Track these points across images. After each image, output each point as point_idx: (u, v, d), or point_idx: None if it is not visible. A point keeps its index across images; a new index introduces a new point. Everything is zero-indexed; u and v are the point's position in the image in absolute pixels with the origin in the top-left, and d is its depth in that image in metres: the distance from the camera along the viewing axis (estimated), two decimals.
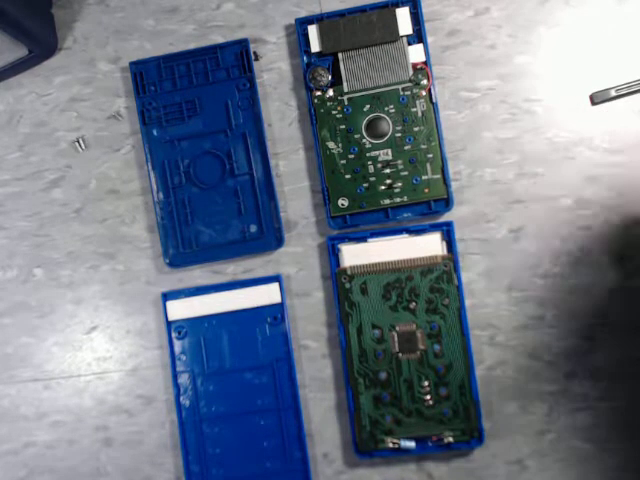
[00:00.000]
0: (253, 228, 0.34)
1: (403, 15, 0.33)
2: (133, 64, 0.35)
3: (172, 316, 0.34)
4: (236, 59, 0.35)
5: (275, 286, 0.34)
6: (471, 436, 0.31)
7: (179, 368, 0.34)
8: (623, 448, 0.32)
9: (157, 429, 0.35)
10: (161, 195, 0.35)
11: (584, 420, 0.32)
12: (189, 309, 0.34)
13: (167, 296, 0.34)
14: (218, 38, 0.35)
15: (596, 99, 0.33)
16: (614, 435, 0.32)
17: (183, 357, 0.34)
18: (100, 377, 0.36)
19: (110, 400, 0.35)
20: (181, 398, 0.34)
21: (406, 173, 0.33)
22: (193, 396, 0.34)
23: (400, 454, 0.32)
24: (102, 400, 0.35)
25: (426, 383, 0.31)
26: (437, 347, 0.32)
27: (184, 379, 0.34)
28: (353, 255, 0.33)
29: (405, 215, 0.33)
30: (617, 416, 0.32)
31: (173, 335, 0.34)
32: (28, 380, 0.36)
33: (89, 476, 0.35)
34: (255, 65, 0.35)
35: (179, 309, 0.34)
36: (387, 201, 0.33)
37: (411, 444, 0.32)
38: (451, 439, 0.31)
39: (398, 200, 0.33)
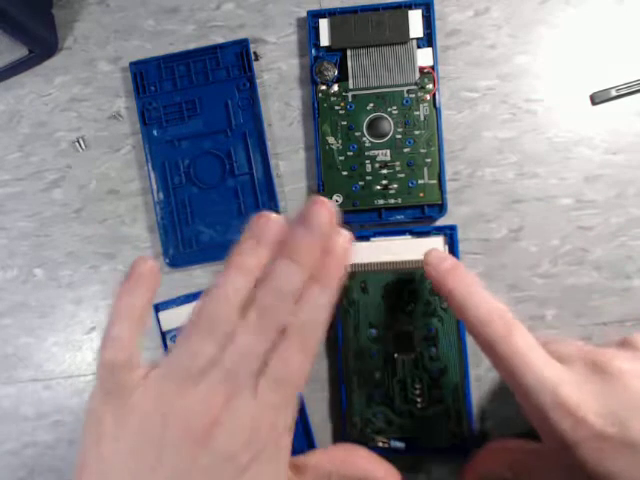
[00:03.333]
0: None
1: (415, 18, 0.33)
2: (133, 64, 0.35)
3: (166, 326, 0.34)
4: (236, 59, 0.35)
5: None
6: (462, 440, 0.31)
7: None
8: None
9: None
10: (161, 195, 0.35)
11: None
12: (182, 317, 0.34)
13: (158, 307, 0.34)
14: (218, 38, 0.35)
15: (596, 99, 0.33)
16: None
17: None
18: None
19: None
20: None
21: (403, 175, 0.33)
22: None
23: (390, 454, 0.32)
24: None
25: (418, 386, 0.31)
26: (433, 350, 0.32)
27: None
28: (355, 253, 0.33)
29: (398, 217, 0.33)
30: None
31: (169, 344, 0.34)
32: (28, 380, 0.36)
33: None
34: (255, 65, 0.35)
35: (172, 318, 0.34)
36: (381, 201, 0.33)
37: (401, 445, 0.32)
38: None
39: (392, 202, 0.33)
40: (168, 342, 0.34)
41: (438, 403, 0.31)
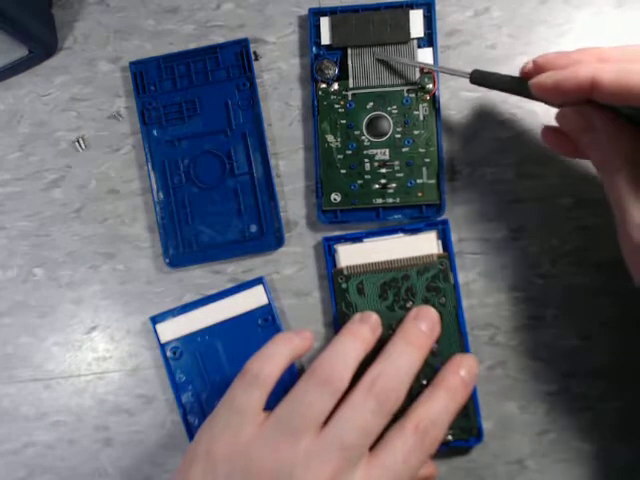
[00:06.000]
0: (253, 228, 0.34)
1: (416, 17, 0.33)
2: (133, 64, 0.35)
3: (164, 338, 0.34)
4: (236, 59, 0.35)
5: (259, 288, 0.34)
6: (470, 434, 0.31)
7: (181, 388, 0.34)
8: (623, 448, 0.32)
9: (157, 429, 0.35)
10: (161, 195, 0.35)
11: (584, 420, 0.32)
12: (180, 328, 0.34)
13: (155, 319, 0.34)
14: (218, 38, 0.35)
15: None
16: (614, 435, 0.32)
17: (183, 377, 0.34)
18: (100, 377, 0.36)
19: (110, 400, 0.35)
20: (188, 417, 0.34)
21: (401, 175, 0.33)
22: (200, 413, 0.34)
23: None
24: (102, 400, 0.35)
25: (424, 382, 0.31)
26: (434, 346, 0.32)
27: (188, 398, 0.34)
28: (349, 255, 0.33)
29: (396, 217, 0.33)
30: (617, 416, 0.32)
31: (168, 355, 0.34)
32: (28, 380, 0.36)
33: (89, 476, 0.35)
34: (255, 65, 0.35)
35: (170, 330, 0.34)
36: (379, 200, 0.33)
37: None
38: (450, 437, 0.31)
39: (390, 201, 0.33)
40: (168, 354, 0.34)
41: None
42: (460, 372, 0.29)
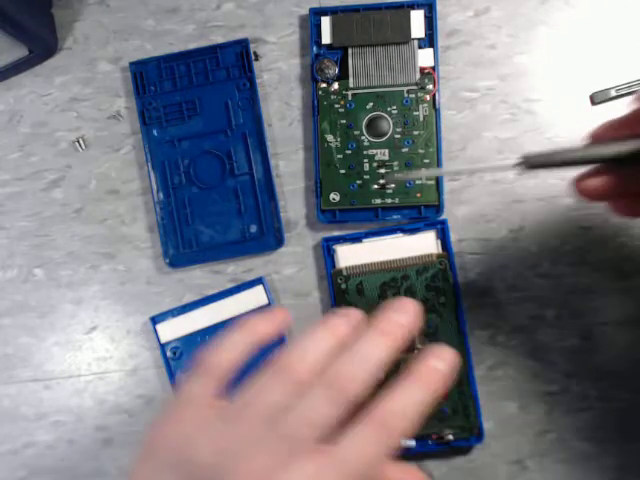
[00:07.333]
0: (253, 228, 0.34)
1: (417, 18, 0.33)
2: (133, 64, 0.35)
3: (164, 338, 0.34)
4: (236, 59, 0.35)
5: (259, 288, 0.34)
6: (471, 433, 0.32)
7: None
8: (623, 448, 0.32)
9: None
10: (161, 195, 0.35)
11: (584, 420, 0.32)
12: (180, 328, 0.34)
13: (155, 320, 0.34)
14: (218, 38, 0.35)
15: (596, 99, 0.33)
16: (614, 435, 0.32)
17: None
18: (100, 377, 0.36)
19: (110, 400, 0.35)
20: None
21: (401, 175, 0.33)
22: None
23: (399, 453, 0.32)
24: (102, 400, 0.35)
25: None
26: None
27: None
28: (348, 256, 0.33)
29: (395, 217, 0.33)
30: (617, 416, 0.32)
31: (168, 355, 0.34)
32: (28, 380, 0.36)
33: (89, 476, 0.35)
34: (255, 65, 0.35)
35: (170, 330, 0.34)
36: (378, 201, 0.33)
37: (411, 442, 0.32)
38: (451, 437, 0.31)
39: (389, 201, 0.33)
40: (168, 354, 0.34)
41: (443, 399, 0.31)
42: (430, 361, 0.28)
